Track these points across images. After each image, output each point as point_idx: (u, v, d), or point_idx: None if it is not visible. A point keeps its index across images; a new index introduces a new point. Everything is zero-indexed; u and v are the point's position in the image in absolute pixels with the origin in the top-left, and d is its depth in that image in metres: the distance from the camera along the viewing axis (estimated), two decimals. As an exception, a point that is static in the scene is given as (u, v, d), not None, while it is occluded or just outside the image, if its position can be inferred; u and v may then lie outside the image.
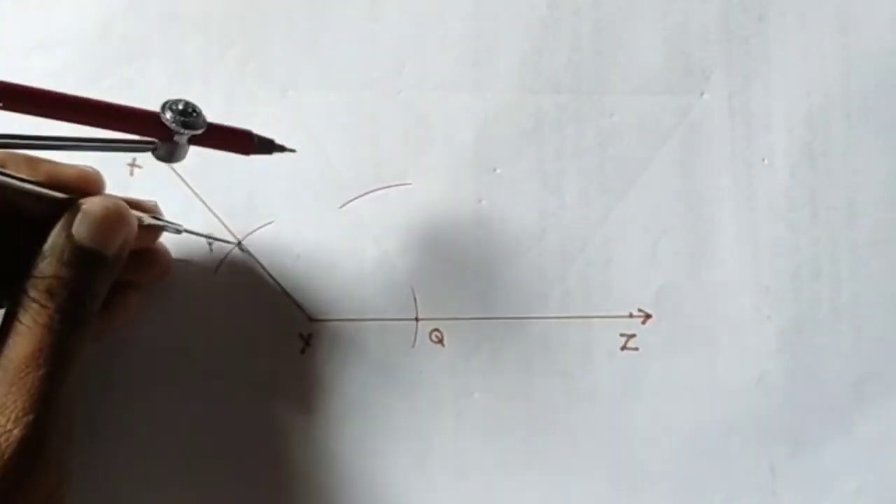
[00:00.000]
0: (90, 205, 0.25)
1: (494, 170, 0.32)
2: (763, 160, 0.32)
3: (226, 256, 0.31)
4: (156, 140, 0.25)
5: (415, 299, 0.31)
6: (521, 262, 0.31)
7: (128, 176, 0.31)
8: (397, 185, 0.31)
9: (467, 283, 0.31)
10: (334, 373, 0.31)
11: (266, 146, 0.27)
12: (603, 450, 0.30)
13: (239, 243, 0.31)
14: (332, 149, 0.31)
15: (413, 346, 0.31)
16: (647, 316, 0.31)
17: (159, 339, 0.30)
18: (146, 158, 0.31)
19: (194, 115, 0.25)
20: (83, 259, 0.24)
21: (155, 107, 0.24)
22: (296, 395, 0.31)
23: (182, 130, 0.25)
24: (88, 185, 0.26)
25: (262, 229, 0.31)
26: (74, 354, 0.24)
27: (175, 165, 0.31)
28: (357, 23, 0.32)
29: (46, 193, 0.25)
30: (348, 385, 0.31)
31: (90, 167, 0.27)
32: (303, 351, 0.31)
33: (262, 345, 0.31)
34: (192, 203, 0.31)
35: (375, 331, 0.31)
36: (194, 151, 0.26)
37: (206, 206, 0.31)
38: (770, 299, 0.31)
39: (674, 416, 0.31)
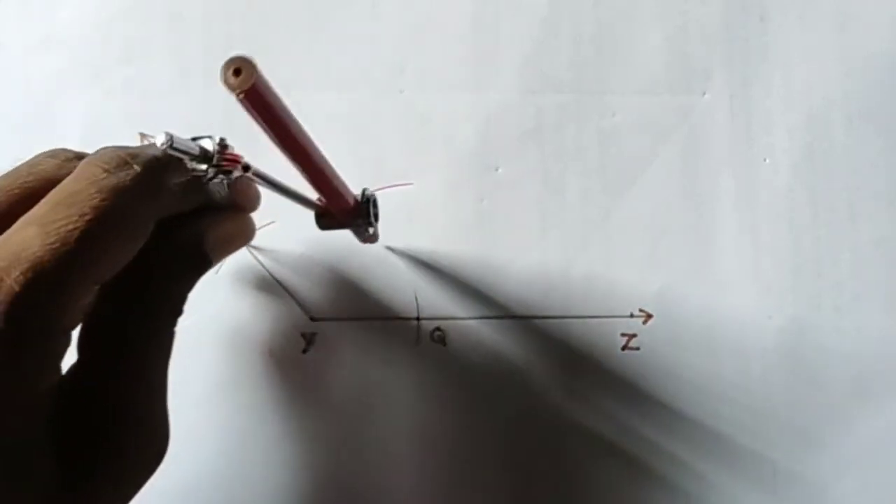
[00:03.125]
0: (233, 227, 0.25)
1: (496, 169, 0.32)
2: (764, 160, 0.32)
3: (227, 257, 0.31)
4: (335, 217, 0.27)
5: (416, 299, 0.31)
6: (523, 261, 0.31)
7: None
8: (399, 184, 0.31)
9: (469, 282, 0.31)
10: (336, 372, 0.31)
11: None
12: (603, 449, 0.30)
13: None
14: (334, 149, 0.31)
15: (415, 345, 0.31)
16: (649, 316, 0.31)
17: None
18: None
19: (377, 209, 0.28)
20: (200, 264, 0.24)
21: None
22: (297, 394, 0.31)
23: (366, 227, 0.28)
24: (247, 200, 0.25)
25: (265, 229, 0.31)
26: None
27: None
28: (358, 23, 0.32)
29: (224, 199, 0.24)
30: (350, 385, 0.31)
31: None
32: (305, 350, 0.31)
33: (263, 345, 0.31)
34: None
35: (377, 330, 0.31)
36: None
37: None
38: (771, 299, 0.31)
39: (675, 416, 0.31)
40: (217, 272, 0.31)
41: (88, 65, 0.33)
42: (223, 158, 0.21)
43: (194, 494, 0.30)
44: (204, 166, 0.21)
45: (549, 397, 0.31)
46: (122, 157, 0.20)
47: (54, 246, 0.18)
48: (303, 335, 0.31)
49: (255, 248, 0.31)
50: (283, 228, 0.31)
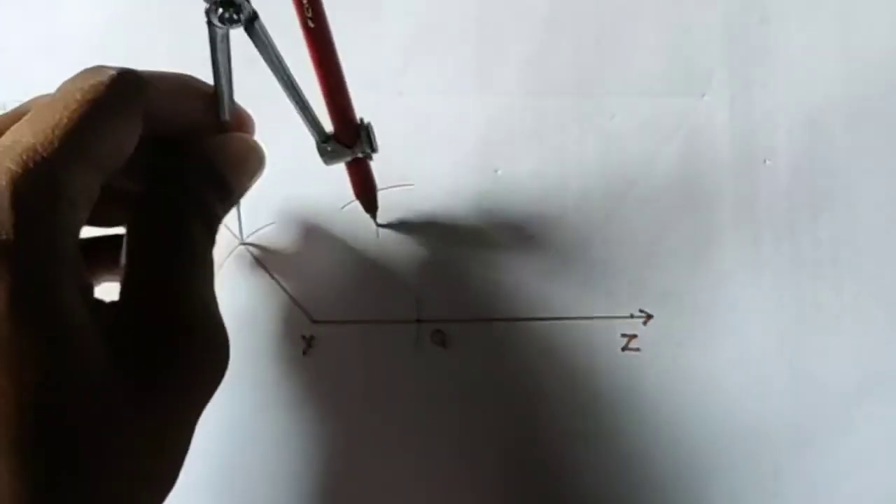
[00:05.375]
0: (240, 146, 0.26)
1: (496, 171, 0.32)
2: (764, 161, 0.32)
3: (227, 257, 0.31)
4: (334, 140, 0.27)
5: (416, 300, 0.31)
6: (523, 263, 0.31)
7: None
8: (399, 185, 0.31)
9: (469, 284, 0.31)
10: (336, 374, 0.31)
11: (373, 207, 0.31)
12: (604, 451, 0.30)
13: (241, 244, 0.31)
14: (334, 150, 0.31)
15: (414, 347, 0.31)
16: (649, 316, 0.31)
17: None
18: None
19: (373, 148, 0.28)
20: (220, 186, 0.25)
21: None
22: (297, 396, 0.31)
23: (368, 150, 0.28)
24: (242, 124, 0.27)
25: (264, 230, 0.31)
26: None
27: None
28: (359, 24, 0.32)
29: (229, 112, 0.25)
30: (350, 387, 0.31)
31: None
32: (305, 353, 0.31)
33: (263, 347, 0.31)
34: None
35: (377, 332, 0.31)
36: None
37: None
38: (771, 300, 0.31)
39: (675, 418, 0.31)
40: (217, 273, 0.31)
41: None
42: None
43: (192, 494, 0.30)
44: None
45: (549, 398, 0.31)
46: (95, 67, 0.22)
47: (45, 132, 0.20)
48: (303, 337, 0.31)
49: (254, 248, 0.31)
50: (284, 230, 0.31)
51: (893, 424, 0.31)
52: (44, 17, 0.33)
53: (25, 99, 0.32)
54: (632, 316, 0.31)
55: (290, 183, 0.31)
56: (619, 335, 0.31)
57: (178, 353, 0.22)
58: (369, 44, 0.32)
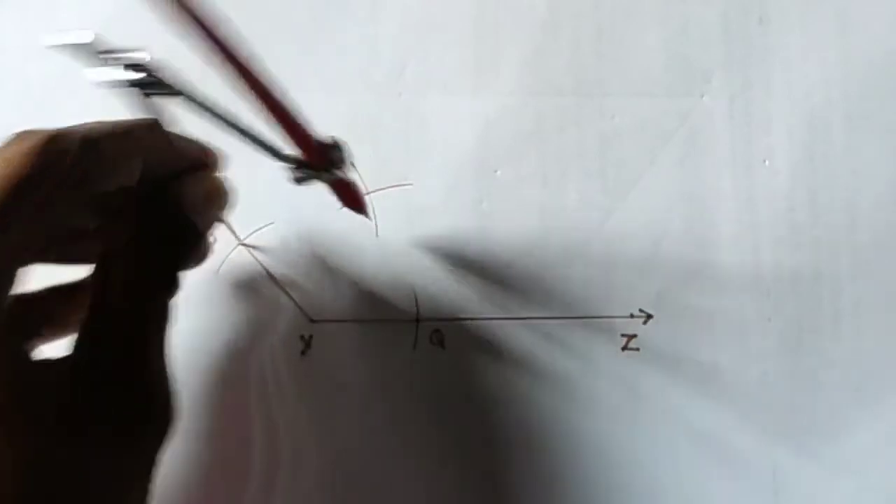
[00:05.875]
0: (206, 186, 0.25)
1: (495, 172, 0.32)
2: (763, 161, 0.32)
3: (226, 257, 0.31)
4: (305, 164, 0.26)
5: (415, 300, 0.31)
6: (522, 263, 0.31)
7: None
8: (398, 185, 0.31)
9: (468, 284, 0.31)
10: (335, 374, 0.31)
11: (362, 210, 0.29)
12: (603, 451, 0.30)
13: (240, 244, 0.31)
14: (333, 150, 0.31)
15: (414, 347, 0.31)
16: (649, 316, 0.31)
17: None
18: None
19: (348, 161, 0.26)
20: (185, 229, 0.24)
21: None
22: (296, 396, 0.31)
23: (338, 171, 0.26)
24: (209, 161, 0.26)
25: (263, 230, 0.31)
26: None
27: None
28: (358, 25, 0.32)
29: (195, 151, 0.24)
30: (349, 387, 0.31)
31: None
32: (303, 352, 0.31)
33: (262, 346, 0.31)
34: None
35: (376, 332, 0.31)
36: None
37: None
38: (770, 301, 0.31)
39: (674, 417, 0.31)
40: (216, 273, 0.31)
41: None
42: (151, 71, 0.21)
43: (191, 494, 0.30)
44: (138, 75, 0.21)
45: (549, 398, 0.31)
46: (24, 134, 0.21)
47: None
48: (301, 337, 0.31)
49: (254, 248, 0.31)
50: (283, 229, 0.31)
51: (891, 424, 0.31)
52: (40, 18, 0.33)
53: (23, 100, 0.33)
54: (632, 316, 0.31)
55: (288, 183, 0.31)
56: (619, 335, 0.31)
57: (139, 415, 0.22)
58: (368, 45, 0.32)
